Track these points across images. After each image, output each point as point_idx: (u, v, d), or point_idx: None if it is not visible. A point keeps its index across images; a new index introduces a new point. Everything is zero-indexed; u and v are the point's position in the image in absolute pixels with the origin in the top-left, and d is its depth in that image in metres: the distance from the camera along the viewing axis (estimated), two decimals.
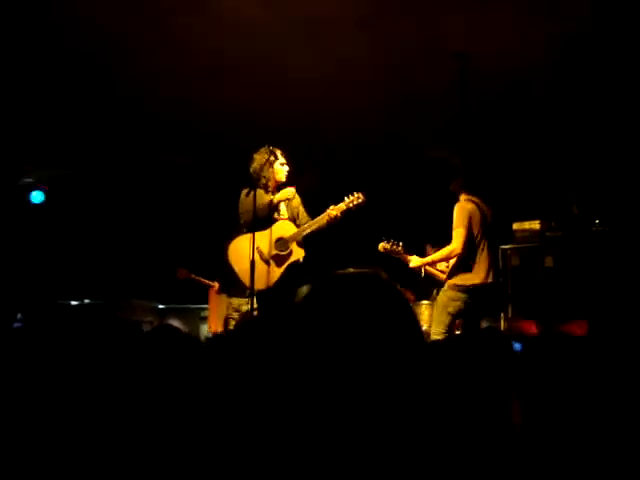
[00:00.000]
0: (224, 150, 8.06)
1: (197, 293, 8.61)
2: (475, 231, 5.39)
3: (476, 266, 5.37)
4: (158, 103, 7.27)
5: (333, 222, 5.23)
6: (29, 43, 6.15)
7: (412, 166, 7.82)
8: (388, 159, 8.34)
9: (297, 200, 5.52)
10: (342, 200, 5.28)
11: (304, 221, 5.43)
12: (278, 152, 5.44)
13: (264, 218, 5.30)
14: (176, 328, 1.95)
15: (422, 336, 1.31)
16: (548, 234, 6.52)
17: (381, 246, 5.87)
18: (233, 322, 6.44)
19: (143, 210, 9.16)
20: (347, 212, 5.24)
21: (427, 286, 6.54)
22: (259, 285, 5.19)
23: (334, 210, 5.22)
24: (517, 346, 2.01)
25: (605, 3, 5.43)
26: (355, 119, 7.48)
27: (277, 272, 5.27)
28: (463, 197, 5.47)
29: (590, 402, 1.72)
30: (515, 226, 6.75)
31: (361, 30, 5.95)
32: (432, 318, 5.66)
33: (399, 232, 6.17)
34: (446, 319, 5.35)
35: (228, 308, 6.44)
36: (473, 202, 5.46)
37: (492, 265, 5.46)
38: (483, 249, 5.40)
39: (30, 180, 9.11)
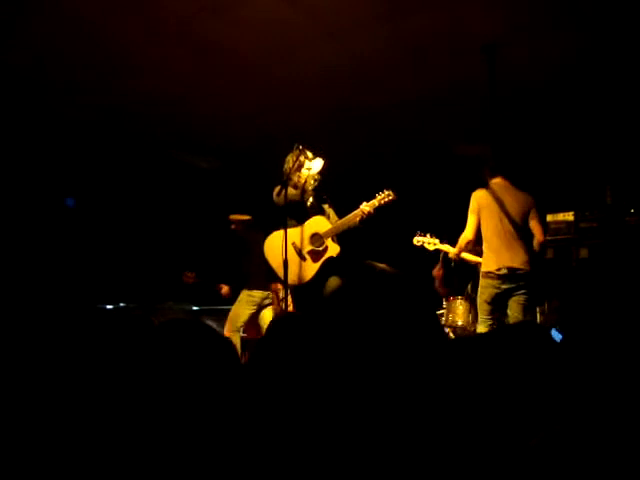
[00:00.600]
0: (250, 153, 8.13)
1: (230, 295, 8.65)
2: (488, 217, 5.45)
3: (492, 252, 5.40)
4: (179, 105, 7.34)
5: (366, 218, 5.34)
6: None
7: (441, 163, 7.77)
8: (416, 156, 8.32)
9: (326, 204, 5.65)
10: (373, 197, 5.41)
11: (334, 220, 5.51)
12: (309, 153, 5.50)
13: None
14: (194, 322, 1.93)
15: (442, 335, 1.30)
16: (582, 225, 6.44)
17: (416, 240, 5.92)
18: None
19: (174, 214, 9.23)
20: (378, 209, 5.37)
21: (460, 281, 6.52)
22: (294, 280, 5.32)
23: (367, 207, 5.35)
24: (556, 336, 1.97)
25: None
26: (382, 118, 7.47)
27: (313, 267, 5.35)
28: (491, 183, 5.56)
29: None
30: (549, 218, 6.68)
31: (383, 25, 5.91)
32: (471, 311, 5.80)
33: (429, 228, 6.18)
34: (484, 307, 5.44)
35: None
36: (492, 189, 5.51)
37: (518, 251, 5.40)
38: (504, 235, 5.37)
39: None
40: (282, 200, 5.25)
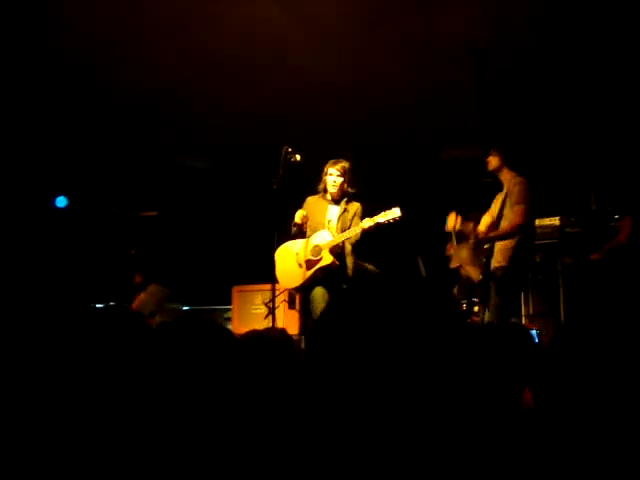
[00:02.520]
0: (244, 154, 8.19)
1: (220, 294, 8.69)
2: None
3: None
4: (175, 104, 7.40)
5: (368, 231, 5.43)
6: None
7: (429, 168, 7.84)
8: (405, 161, 8.39)
9: (353, 212, 5.67)
10: (377, 212, 5.44)
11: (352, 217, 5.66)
12: (329, 163, 5.67)
13: (295, 233, 5.73)
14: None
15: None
16: (567, 230, 6.53)
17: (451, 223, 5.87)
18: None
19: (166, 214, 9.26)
20: (383, 225, 5.40)
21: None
22: (290, 284, 5.85)
23: (367, 222, 5.40)
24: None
25: None
26: (371, 120, 7.54)
27: (305, 275, 5.59)
28: (511, 173, 5.60)
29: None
30: (536, 222, 6.75)
31: (373, 30, 6.00)
32: None
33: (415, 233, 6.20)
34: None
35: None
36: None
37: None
38: None
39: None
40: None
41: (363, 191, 5.74)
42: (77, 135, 8.16)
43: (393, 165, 8.69)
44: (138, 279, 7.58)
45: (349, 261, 5.60)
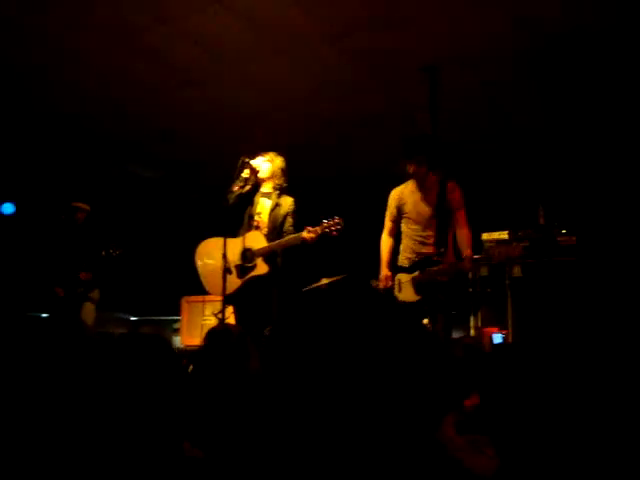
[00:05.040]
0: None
1: (169, 304, 8.61)
2: None
3: None
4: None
5: (307, 243, 5.14)
6: None
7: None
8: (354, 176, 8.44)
9: (286, 208, 5.45)
10: (319, 222, 5.16)
11: (287, 232, 5.35)
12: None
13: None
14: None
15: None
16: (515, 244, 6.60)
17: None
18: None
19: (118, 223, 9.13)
20: (322, 236, 5.13)
21: None
22: (213, 291, 5.31)
23: (309, 234, 5.12)
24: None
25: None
26: (323, 134, 7.59)
27: (236, 282, 5.23)
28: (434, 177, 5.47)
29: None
30: (484, 236, 6.83)
31: (331, 46, 6.04)
32: None
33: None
34: None
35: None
36: None
37: None
38: None
39: None
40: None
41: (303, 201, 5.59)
42: (25, 141, 8.02)
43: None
44: (85, 276, 7.21)
45: (279, 262, 5.32)
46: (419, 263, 5.31)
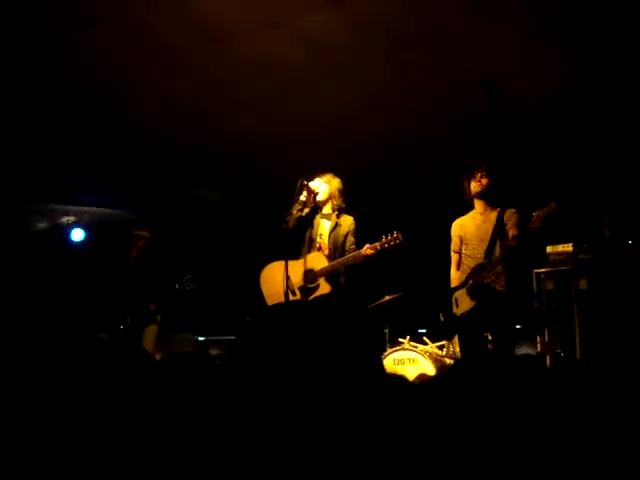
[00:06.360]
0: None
1: (237, 324, 8.69)
2: None
3: None
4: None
5: (368, 258, 5.18)
6: None
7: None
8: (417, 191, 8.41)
9: (346, 228, 5.49)
10: (379, 238, 5.21)
11: (349, 251, 5.39)
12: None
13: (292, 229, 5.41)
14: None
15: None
16: (581, 257, 6.49)
17: None
18: None
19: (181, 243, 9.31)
20: (382, 251, 5.18)
21: None
22: None
23: (369, 250, 5.17)
24: None
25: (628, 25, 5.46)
26: (383, 151, 7.59)
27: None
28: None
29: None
30: (549, 249, 6.73)
31: (387, 59, 6.06)
32: None
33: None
34: None
35: None
36: None
37: None
38: None
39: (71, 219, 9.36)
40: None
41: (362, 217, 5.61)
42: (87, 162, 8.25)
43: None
44: (154, 307, 7.31)
45: (342, 281, 5.36)
46: (472, 273, 5.25)
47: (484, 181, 5.32)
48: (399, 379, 1.81)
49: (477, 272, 5.17)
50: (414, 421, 1.47)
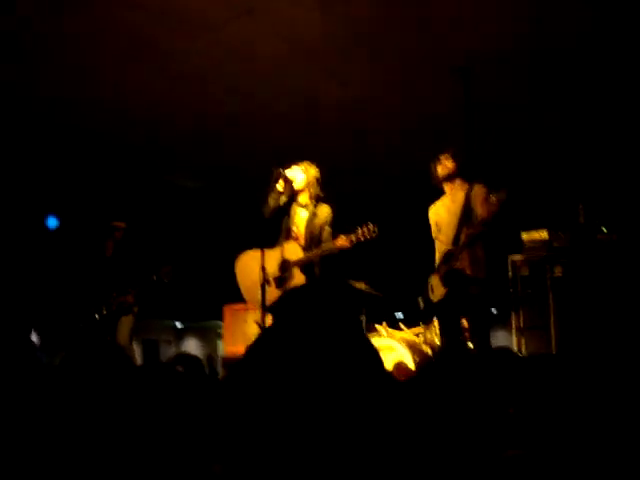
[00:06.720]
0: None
1: (213, 310, 8.68)
2: None
3: None
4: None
5: (342, 249, 5.13)
6: None
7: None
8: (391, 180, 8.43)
9: (322, 218, 5.42)
10: (354, 229, 5.10)
11: (325, 241, 5.32)
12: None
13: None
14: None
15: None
16: (555, 244, 6.54)
17: None
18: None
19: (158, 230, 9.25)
20: (357, 243, 5.09)
21: None
22: (253, 302, 5.38)
23: (343, 241, 5.10)
24: None
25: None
26: (356, 139, 7.60)
27: (276, 294, 5.25)
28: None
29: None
30: (524, 236, 6.76)
31: (360, 47, 6.06)
32: None
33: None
34: None
35: None
36: None
37: None
38: None
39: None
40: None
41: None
42: (61, 155, 8.18)
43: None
44: (132, 299, 7.23)
45: (316, 271, 5.31)
46: (442, 260, 5.30)
47: (449, 164, 5.35)
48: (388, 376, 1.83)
49: (447, 259, 5.22)
50: (404, 419, 1.49)
